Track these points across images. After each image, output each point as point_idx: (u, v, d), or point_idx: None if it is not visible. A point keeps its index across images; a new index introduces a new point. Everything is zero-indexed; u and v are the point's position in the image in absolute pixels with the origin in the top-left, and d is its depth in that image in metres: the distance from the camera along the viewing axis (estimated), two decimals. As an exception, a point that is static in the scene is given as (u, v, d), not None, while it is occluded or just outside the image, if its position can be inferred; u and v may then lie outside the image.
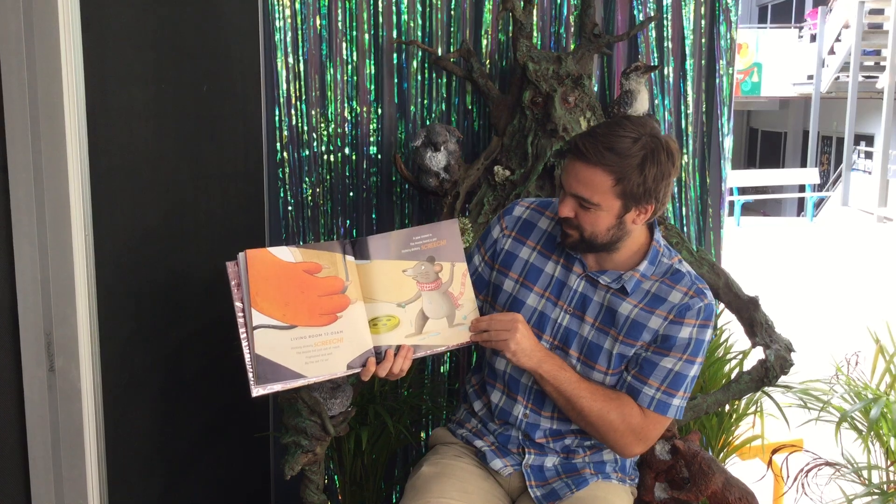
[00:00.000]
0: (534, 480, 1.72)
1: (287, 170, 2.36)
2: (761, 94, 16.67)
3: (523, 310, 1.71)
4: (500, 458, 1.74)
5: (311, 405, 1.81)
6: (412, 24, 2.34)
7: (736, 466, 2.32)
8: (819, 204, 14.96)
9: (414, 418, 2.37)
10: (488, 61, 2.36)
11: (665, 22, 2.38)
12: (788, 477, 2.34)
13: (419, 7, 2.33)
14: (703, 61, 2.42)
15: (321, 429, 1.83)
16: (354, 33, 2.33)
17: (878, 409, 2.21)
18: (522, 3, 2.21)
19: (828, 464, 2.29)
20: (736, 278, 2.22)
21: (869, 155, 15.21)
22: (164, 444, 2.07)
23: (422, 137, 2.18)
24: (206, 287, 2.07)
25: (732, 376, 2.25)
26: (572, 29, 2.35)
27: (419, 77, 2.36)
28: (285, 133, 2.34)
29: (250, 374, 1.50)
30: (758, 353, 2.18)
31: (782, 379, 2.16)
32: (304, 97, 2.33)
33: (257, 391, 1.51)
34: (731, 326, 2.38)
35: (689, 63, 2.40)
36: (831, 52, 15.36)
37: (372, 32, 2.33)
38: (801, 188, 15.20)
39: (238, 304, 1.52)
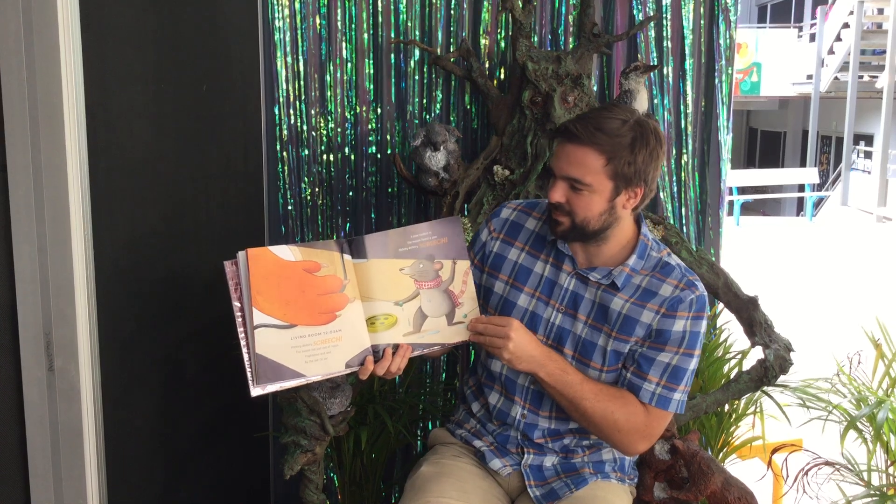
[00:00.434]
0: (533, 480, 1.72)
1: (286, 169, 2.36)
2: (761, 93, 16.68)
3: (514, 311, 1.71)
4: (498, 458, 1.74)
5: (311, 405, 1.81)
6: (411, 24, 2.34)
7: (735, 466, 2.32)
8: (818, 204, 14.97)
9: (413, 418, 2.37)
10: (487, 61, 2.36)
11: (664, 21, 2.38)
12: (788, 477, 2.34)
13: (418, 7, 2.33)
14: (702, 61, 2.42)
15: (320, 428, 1.83)
16: (354, 33, 2.33)
17: (885, 413, 2.21)
18: (522, 2, 2.21)
19: (828, 463, 2.29)
20: (735, 278, 2.22)
21: (868, 154, 15.21)
22: (164, 443, 2.07)
23: (421, 137, 2.18)
24: (205, 287, 2.07)
25: (732, 376, 2.25)
26: (571, 28, 2.35)
27: (418, 77, 2.36)
28: (285, 132, 2.34)
29: (249, 375, 1.50)
30: (757, 353, 2.18)
31: (782, 378, 2.16)
32: (303, 97, 2.33)
33: (256, 391, 1.51)
34: (730, 326, 2.38)
35: (688, 63, 2.40)
36: (831, 51, 15.37)
37: (371, 32, 2.33)
38: (801, 188, 15.20)
39: (237, 304, 1.52)
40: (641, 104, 2.19)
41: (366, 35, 2.33)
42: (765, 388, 2.18)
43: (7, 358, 1.69)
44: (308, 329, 1.53)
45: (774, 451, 2.40)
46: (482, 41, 2.35)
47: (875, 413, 2.22)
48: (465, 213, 2.28)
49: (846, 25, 14.69)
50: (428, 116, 2.38)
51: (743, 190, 14.22)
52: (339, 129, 2.36)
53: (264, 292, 1.52)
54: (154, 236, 1.96)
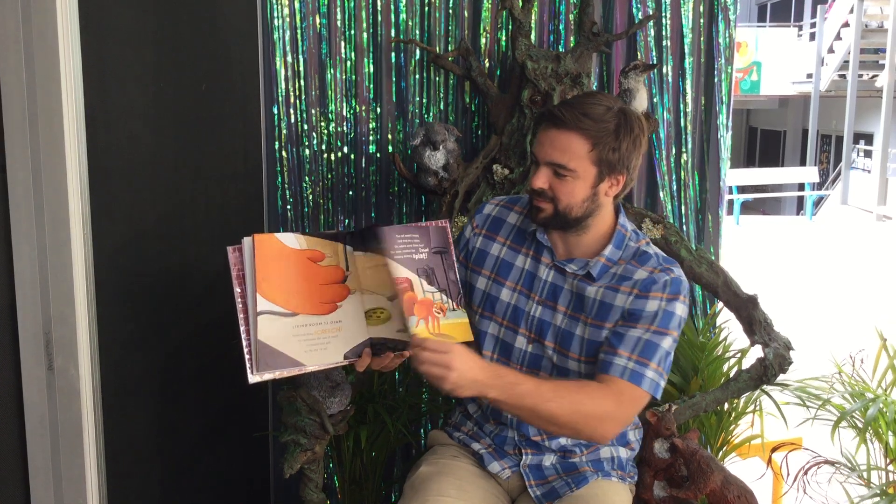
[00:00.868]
0: (533, 480, 1.71)
1: (286, 169, 2.36)
2: (760, 92, 16.67)
3: (498, 305, 1.72)
4: (497, 460, 1.74)
5: (311, 404, 1.82)
6: (411, 23, 2.33)
7: (735, 465, 2.32)
8: (818, 202, 14.97)
9: (413, 417, 2.37)
10: (487, 60, 2.36)
11: (664, 20, 2.38)
12: (788, 475, 2.34)
13: (417, 6, 2.33)
14: (701, 60, 2.42)
15: (320, 427, 1.83)
16: (353, 32, 2.33)
17: (876, 409, 2.21)
18: (521, 1, 2.21)
19: (827, 462, 2.29)
20: (735, 277, 2.22)
21: (868, 153, 15.21)
22: (164, 442, 2.07)
23: (420, 136, 2.18)
24: (205, 286, 2.07)
25: (731, 375, 2.25)
26: (571, 27, 2.35)
27: (418, 76, 2.36)
28: (284, 132, 2.34)
29: (248, 361, 1.50)
30: (756, 352, 2.18)
31: (781, 377, 2.16)
32: (303, 96, 2.33)
33: (255, 378, 1.50)
34: (729, 325, 2.38)
35: (687, 62, 2.40)
36: (830, 50, 15.37)
37: (371, 31, 2.33)
38: (801, 187, 15.20)
39: (238, 290, 1.51)
40: (641, 103, 2.19)
41: (365, 34, 2.33)
42: (764, 386, 2.18)
43: (7, 357, 1.70)
44: (310, 318, 1.54)
45: (774, 449, 2.40)
46: (482, 40, 2.35)
47: (867, 407, 2.23)
48: (465, 212, 2.28)
49: (846, 24, 14.69)
50: (428, 116, 2.38)
51: (743, 189, 14.21)
52: (338, 129, 2.36)
53: (269, 279, 1.52)
54: (153, 236, 1.96)
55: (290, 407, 1.83)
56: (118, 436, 1.85)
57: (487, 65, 2.36)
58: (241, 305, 1.51)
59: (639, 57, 2.37)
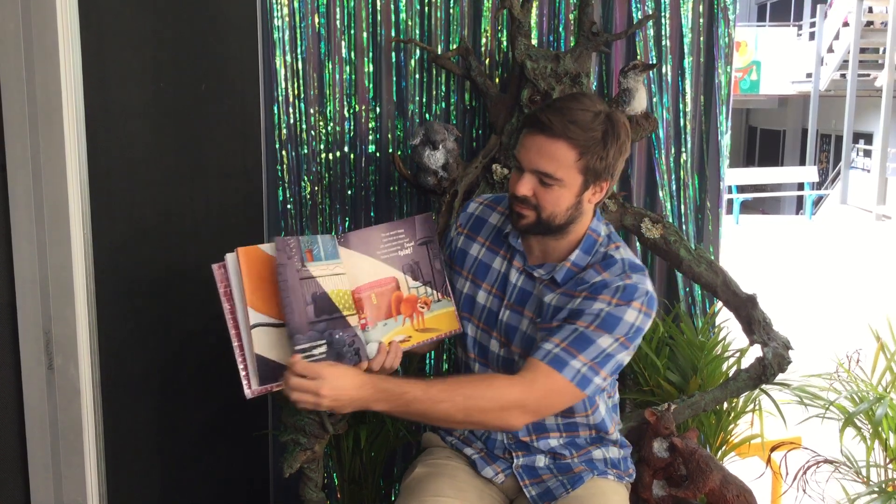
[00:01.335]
0: (527, 479, 1.71)
1: (286, 168, 2.36)
2: (760, 92, 16.68)
3: (475, 308, 1.71)
4: (490, 465, 1.74)
5: (310, 403, 1.81)
6: (410, 23, 2.34)
7: (734, 464, 2.33)
8: (818, 202, 14.97)
9: (413, 416, 2.37)
10: (487, 60, 2.36)
11: (663, 20, 2.38)
12: (787, 475, 2.34)
13: (417, 6, 2.33)
14: (701, 59, 2.42)
15: (320, 427, 1.83)
16: (353, 32, 2.33)
17: (883, 410, 2.21)
18: (521, 0, 2.21)
19: (827, 461, 2.30)
20: (734, 276, 2.22)
21: (868, 153, 15.22)
22: (164, 442, 2.07)
23: (420, 136, 2.18)
24: (205, 286, 2.06)
25: (730, 374, 2.25)
26: (571, 27, 2.35)
27: (417, 75, 2.36)
28: (284, 131, 2.34)
29: (244, 377, 1.50)
30: (756, 351, 2.19)
31: (781, 376, 2.17)
32: (302, 96, 2.34)
33: (256, 392, 1.51)
34: (729, 324, 2.38)
35: (687, 61, 2.40)
36: (830, 50, 15.37)
37: (370, 31, 2.33)
38: (800, 186, 15.21)
39: (227, 307, 1.50)
40: (640, 103, 2.20)
41: (365, 34, 2.33)
42: (763, 386, 2.19)
43: (7, 357, 1.70)
44: None
45: (773, 449, 2.40)
46: (481, 40, 2.35)
47: (874, 409, 2.23)
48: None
49: (846, 24, 14.69)
50: (427, 115, 2.38)
51: (742, 188, 14.22)
52: (338, 128, 2.36)
53: (258, 291, 1.51)
54: (153, 235, 1.96)
55: (290, 406, 1.83)
56: (118, 435, 1.85)
57: (487, 64, 2.36)
58: (231, 322, 1.50)
59: (638, 56, 2.37)
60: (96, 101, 1.71)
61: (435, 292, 1.69)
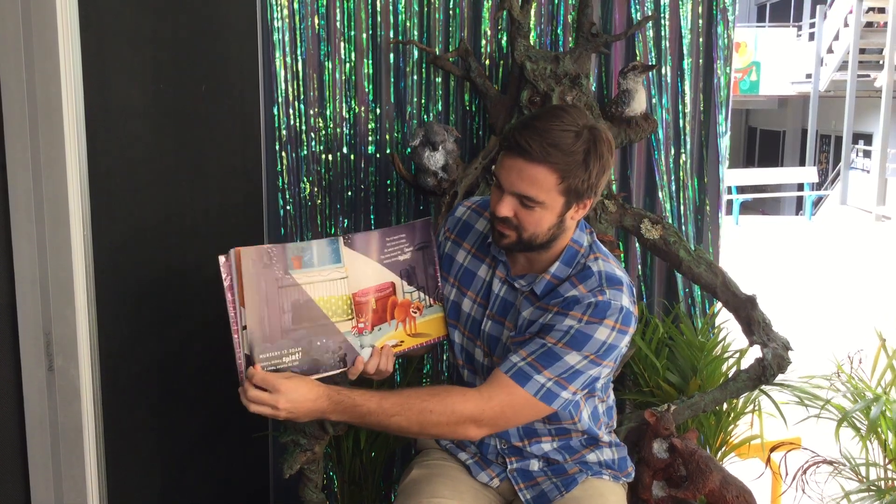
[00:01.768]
0: (522, 483, 1.71)
1: (285, 169, 2.36)
2: (760, 92, 16.68)
3: (461, 316, 1.70)
4: (484, 469, 1.73)
5: (310, 404, 1.81)
6: (410, 24, 2.34)
7: (734, 465, 2.33)
8: (817, 202, 14.97)
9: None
10: (487, 61, 2.36)
11: (663, 21, 2.38)
12: (787, 475, 2.34)
13: (417, 7, 2.33)
14: (700, 60, 2.42)
15: (320, 428, 1.83)
16: (352, 33, 2.33)
17: (878, 409, 2.21)
18: (521, 2, 2.21)
19: (826, 461, 2.30)
20: (734, 277, 2.22)
21: (867, 153, 15.22)
22: (164, 443, 2.07)
23: (420, 137, 2.18)
24: (205, 286, 2.07)
25: (730, 375, 2.25)
26: (570, 28, 2.35)
27: (417, 76, 2.37)
28: (283, 132, 2.34)
29: (240, 374, 1.50)
30: (755, 352, 2.19)
31: (780, 377, 2.17)
32: (302, 97, 2.34)
33: None
34: (728, 325, 2.39)
35: (686, 62, 2.41)
36: (830, 50, 15.37)
37: (370, 32, 2.34)
38: (800, 187, 15.21)
39: (230, 298, 1.51)
40: (640, 104, 2.20)
41: (365, 35, 2.33)
42: (763, 386, 2.19)
43: (7, 358, 1.70)
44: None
45: (773, 449, 2.40)
46: (481, 41, 2.35)
47: (870, 409, 2.23)
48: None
49: (845, 24, 14.69)
50: (427, 116, 2.38)
51: (742, 189, 14.22)
52: (337, 129, 2.37)
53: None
54: (154, 236, 1.96)
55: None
56: (118, 436, 1.85)
57: (487, 65, 2.36)
58: (233, 315, 1.51)
59: (637, 58, 2.37)
60: (96, 102, 1.72)
61: (427, 297, 1.69)
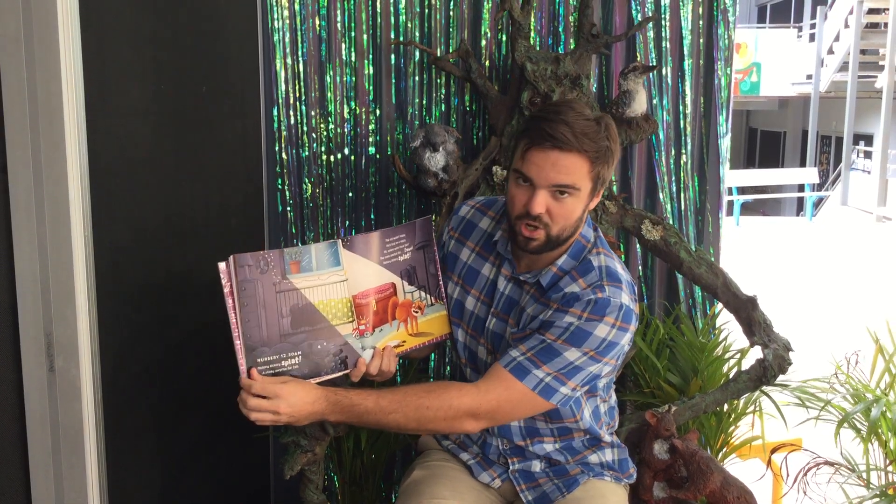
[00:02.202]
0: (523, 484, 1.71)
1: (286, 170, 2.36)
2: (760, 93, 16.69)
3: (464, 314, 1.71)
4: (486, 470, 1.74)
5: (311, 405, 1.82)
6: (411, 25, 2.34)
7: (735, 466, 2.33)
8: (818, 203, 14.97)
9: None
10: (487, 62, 2.36)
11: (663, 22, 2.38)
12: (788, 476, 2.34)
13: (417, 8, 2.33)
14: (701, 61, 2.42)
15: (320, 429, 1.83)
16: (353, 34, 2.33)
17: (879, 410, 2.21)
18: (521, 3, 2.21)
19: (827, 463, 2.30)
20: (735, 278, 2.22)
21: (868, 154, 15.22)
22: (164, 443, 2.07)
23: (420, 138, 2.18)
24: (205, 287, 2.07)
25: (731, 376, 2.25)
26: (571, 29, 2.35)
27: (417, 77, 2.37)
28: (284, 133, 2.35)
29: (242, 373, 1.51)
30: (756, 353, 2.19)
31: (781, 378, 2.17)
32: (303, 98, 2.34)
33: None
34: (729, 326, 2.39)
35: (687, 63, 2.41)
36: (830, 51, 15.37)
37: (370, 33, 2.34)
38: (801, 188, 15.21)
39: (230, 303, 1.51)
40: (640, 105, 2.20)
41: (365, 36, 2.34)
42: (764, 387, 2.19)
43: (8, 358, 1.70)
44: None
45: (774, 450, 2.40)
46: (482, 42, 2.35)
47: (870, 410, 2.23)
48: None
49: (846, 25, 14.69)
50: (427, 117, 2.38)
51: (743, 190, 14.22)
52: (338, 130, 2.37)
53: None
54: (154, 237, 1.97)
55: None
56: (119, 436, 1.85)
57: (487, 66, 2.36)
58: (233, 319, 1.51)
59: (638, 58, 2.37)
60: (97, 103, 1.72)
61: (429, 296, 1.69)
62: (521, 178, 1.54)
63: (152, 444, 2.03)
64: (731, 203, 13.38)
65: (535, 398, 1.54)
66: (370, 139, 2.38)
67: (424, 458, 1.80)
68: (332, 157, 2.38)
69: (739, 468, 2.26)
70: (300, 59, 2.32)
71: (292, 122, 2.34)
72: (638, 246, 2.43)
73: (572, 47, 2.31)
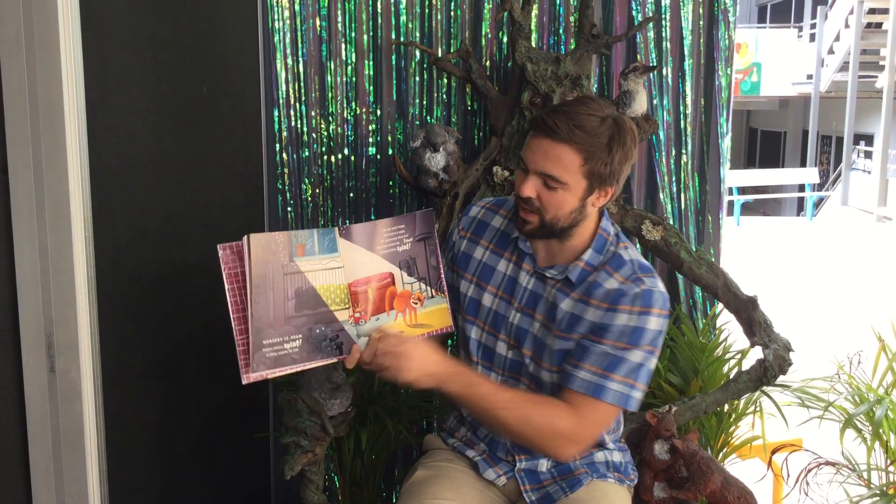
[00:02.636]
0: (528, 484, 1.70)
1: (286, 170, 2.36)
2: (761, 93, 16.69)
3: (480, 311, 1.71)
4: (492, 467, 1.73)
5: (311, 406, 1.82)
6: (411, 26, 2.34)
7: (735, 466, 2.33)
8: (819, 203, 14.97)
9: (413, 419, 2.38)
10: (488, 62, 2.36)
11: (664, 22, 2.38)
12: (788, 477, 2.34)
13: (418, 8, 2.33)
14: (701, 62, 2.42)
15: (321, 429, 1.83)
16: (353, 34, 2.33)
17: (883, 411, 2.21)
18: (521, 3, 2.21)
19: (828, 463, 2.29)
20: (735, 278, 2.22)
21: (868, 154, 15.22)
22: (165, 444, 2.07)
23: (421, 138, 2.18)
24: (205, 287, 2.07)
25: (731, 376, 2.25)
26: (571, 29, 2.35)
27: (418, 78, 2.37)
28: (285, 134, 2.35)
29: (242, 361, 1.50)
30: (756, 353, 2.19)
31: (781, 378, 2.17)
32: (303, 98, 2.34)
33: (247, 379, 1.51)
34: (729, 326, 2.39)
35: (687, 63, 2.41)
36: (830, 51, 15.37)
37: (371, 33, 2.34)
38: (801, 188, 15.21)
39: (228, 287, 1.51)
40: (641, 105, 2.20)
41: (366, 36, 2.34)
42: (764, 387, 2.19)
43: (8, 359, 1.70)
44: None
45: (774, 451, 2.40)
46: (482, 42, 2.36)
47: (873, 411, 2.23)
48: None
49: (846, 25, 14.69)
50: (428, 117, 2.38)
51: (743, 190, 14.22)
52: (339, 131, 2.37)
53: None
54: (154, 237, 1.97)
55: (291, 409, 1.83)
56: (119, 437, 1.85)
57: (488, 66, 2.36)
58: (233, 305, 1.51)
59: (638, 59, 2.37)
60: (97, 103, 1.72)
61: (429, 288, 1.69)
62: (522, 163, 1.59)
63: (152, 444, 2.03)
64: (731, 203, 13.38)
65: (616, 410, 1.58)
66: (370, 139, 2.38)
67: (428, 457, 1.80)
68: (332, 158, 2.38)
69: (740, 468, 2.26)
70: (300, 59, 2.32)
71: (293, 122, 2.34)
72: (638, 246, 2.43)
73: (573, 47, 2.31)
